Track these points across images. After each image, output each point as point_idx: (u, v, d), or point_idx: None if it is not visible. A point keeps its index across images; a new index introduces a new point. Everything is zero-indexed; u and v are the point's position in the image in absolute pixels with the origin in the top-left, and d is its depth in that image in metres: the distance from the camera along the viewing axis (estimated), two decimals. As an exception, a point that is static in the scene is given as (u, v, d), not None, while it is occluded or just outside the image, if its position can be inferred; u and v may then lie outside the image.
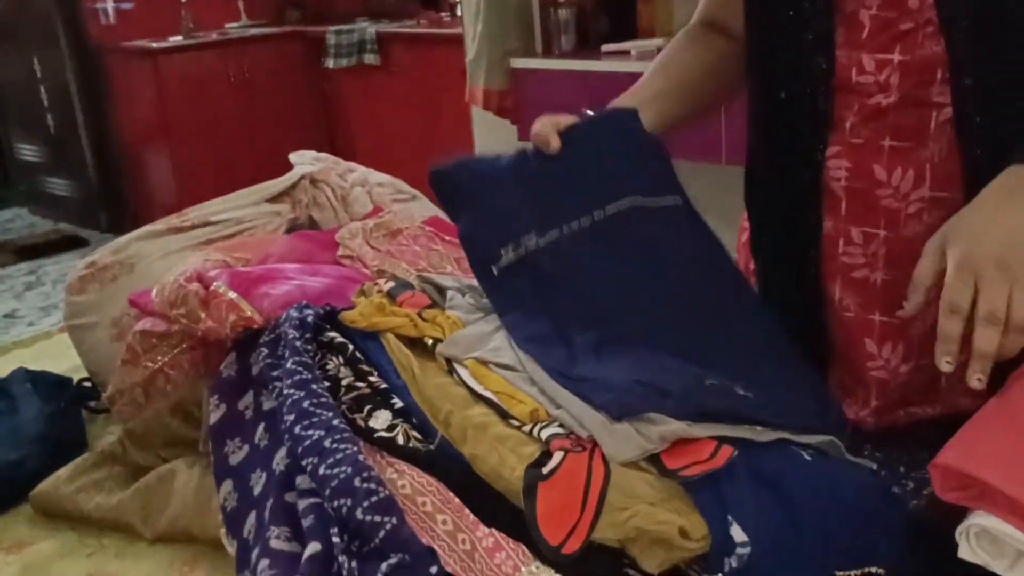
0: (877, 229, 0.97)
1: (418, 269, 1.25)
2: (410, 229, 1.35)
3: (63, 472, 1.13)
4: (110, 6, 4.92)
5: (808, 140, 0.97)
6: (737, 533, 0.69)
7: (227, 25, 5.20)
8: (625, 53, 2.72)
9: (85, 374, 1.38)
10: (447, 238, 1.35)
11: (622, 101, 1.11)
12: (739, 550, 0.69)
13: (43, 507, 1.11)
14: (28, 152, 5.64)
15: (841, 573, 0.73)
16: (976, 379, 0.74)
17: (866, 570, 0.74)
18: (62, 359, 1.53)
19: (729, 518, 0.70)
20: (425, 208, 1.50)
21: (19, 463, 1.15)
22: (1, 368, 1.49)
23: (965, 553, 0.74)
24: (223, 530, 0.96)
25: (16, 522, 1.12)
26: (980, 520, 0.73)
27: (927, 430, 0.97)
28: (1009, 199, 0.79)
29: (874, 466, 0.86)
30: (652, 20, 2.71)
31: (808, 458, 0.79)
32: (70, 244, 5.07)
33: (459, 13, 3.08)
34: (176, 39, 4.81)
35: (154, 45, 4.66)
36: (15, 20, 5.24)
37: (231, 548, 0.93)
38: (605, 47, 2.78)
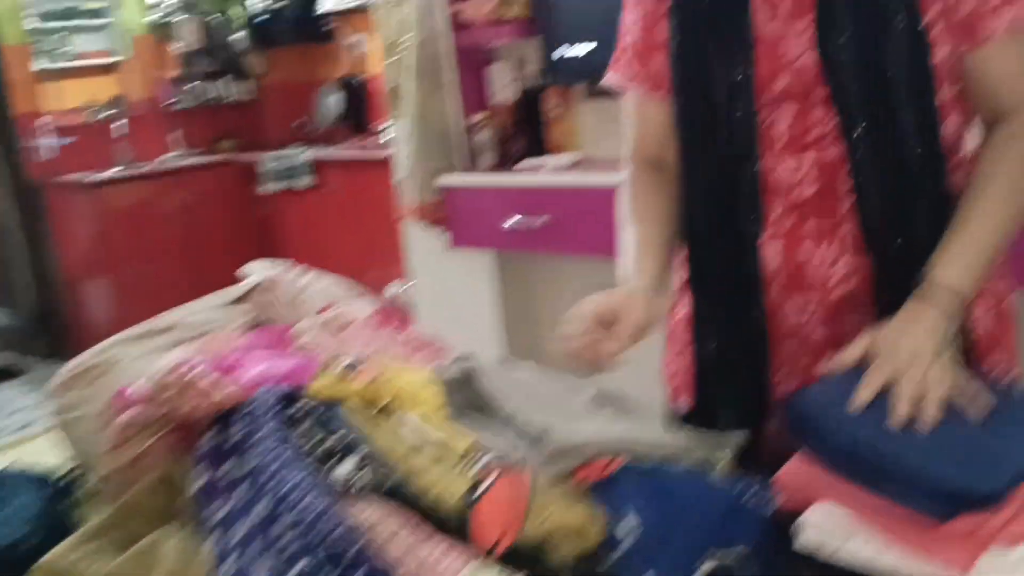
0: (810, 298, 1.18)
1: (367, 354, 1.45)
2: (357, 321, 1.56)
3: (64, 543, 1.27)
4: (49, 142, 5.11)
5: (743, 233, 1.18)
6: (629, 519, 0.90)
7: (164, 156, 5.43)
8: (539, 167, 3.02)
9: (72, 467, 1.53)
10: (390, 328, 1.56)
11: (642, 260, 1.27)
12: (633, 531, 0.90)
13: (47, 576, 1.26)
14: (-35, 286, 5.71)
15: (714, 549, 0.95)
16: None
17: (734, 549, 0.96)
18: (48, 456, 1.66)
19: (620, 508, 0.91)
20: (369, 303, 1.71)
21: (22, 541, 1.30)
22: (-14, 470, 1.63)
23: (799, 546, 0.94)
24: (210, 580, 1.12)
25: (21, 594, 1.25)
26: (808, 516, 0.95)
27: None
28: (914, 322, 1.04)
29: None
30: (561, 138, 3.04)
31: (683, 468, 1.01)
32: (3, 376, 5.09)
33: (387, 137, 3.34)
34: (115, 171, 5.01)
35: (93, 178, 4.84)
36: (-46, 160, 5.41)
37: (218, 595, 1.10)
38: (521, 164, 3.09)
